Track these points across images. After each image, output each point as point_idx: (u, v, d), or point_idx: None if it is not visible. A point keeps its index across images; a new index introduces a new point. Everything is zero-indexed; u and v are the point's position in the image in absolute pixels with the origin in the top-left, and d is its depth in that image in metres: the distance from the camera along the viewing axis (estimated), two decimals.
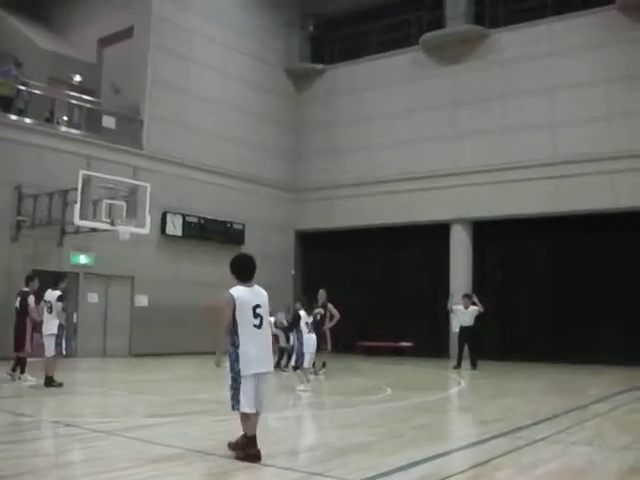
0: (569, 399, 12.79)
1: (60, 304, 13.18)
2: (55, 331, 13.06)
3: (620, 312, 21.56)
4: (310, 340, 14.01)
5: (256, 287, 7.21)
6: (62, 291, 13.47)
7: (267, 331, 7.10)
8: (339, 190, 27.30)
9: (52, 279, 13.89)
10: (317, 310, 17.14)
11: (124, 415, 10.00)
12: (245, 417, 6.85)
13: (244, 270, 7.22)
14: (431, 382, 16.94)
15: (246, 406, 6.79)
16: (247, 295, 7.03)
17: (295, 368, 14.00)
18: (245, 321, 6.91)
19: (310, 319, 14.22)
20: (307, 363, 13.94)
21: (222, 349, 7.06)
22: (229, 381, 6.89)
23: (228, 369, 6.91)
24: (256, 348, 6.88)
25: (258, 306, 7.03)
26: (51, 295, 13.28)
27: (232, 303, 6.93)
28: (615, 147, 21.72)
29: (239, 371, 6.81)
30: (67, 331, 14.10)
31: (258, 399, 6.89)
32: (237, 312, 6.92)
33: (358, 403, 11.86)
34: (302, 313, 14.06)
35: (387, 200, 25.93)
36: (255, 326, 6.94)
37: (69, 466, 6.63)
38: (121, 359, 20.92)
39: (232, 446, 6.98)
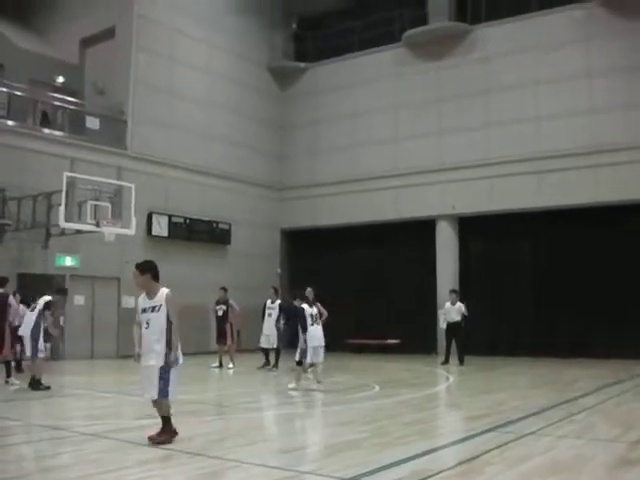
0: (557, 393, 12.84)
1: (49, 312, 13.12)
2: (28, 333, 12.90)
3: (606, 305, 21.68)
4: (312, 333, 13.28)
5: None
6: (51, 300, 13.34)
7: None
8: (324, 188, 27.29)
9: (55, 288, 13.97)
10: None
11: (113, 417, 9.96)
12: (168, 402, 7.69)
13: (158, 273, 7.96)
14: (419, 378, 16.96)
15: (174, 393, 7.69)
16: None
17: (298, 363, 13.60)
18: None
19: (314, 310, 13.57)
20: (311, 358, 13.31)
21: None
22: (158, 372, 7.57)
23: (162, 361, 7.58)
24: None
25: None
26: (42, 299, 13.21)
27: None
28: (598, 141, 21.80)
29: (176, 361, 7.67)
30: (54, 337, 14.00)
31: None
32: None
33: (347, 401, 11.87)
34: (305, 306, 13.50)
35: (373, 197, 25.94)
36: None
37: (58, 470, 6.59)
38: (109, 361, 20.84)
39: (157, 440, 7.55)
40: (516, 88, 23.51)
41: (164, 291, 7.79)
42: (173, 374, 7.64)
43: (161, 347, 7.59)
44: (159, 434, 7.61)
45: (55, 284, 14.25)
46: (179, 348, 7.73)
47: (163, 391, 7.57)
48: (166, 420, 7.68)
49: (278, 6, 29.22)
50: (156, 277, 7.92)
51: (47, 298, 13.24)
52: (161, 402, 7.67)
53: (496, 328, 23.58)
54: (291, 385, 13.11)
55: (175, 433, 7.74)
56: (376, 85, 26.72)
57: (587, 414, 10.05)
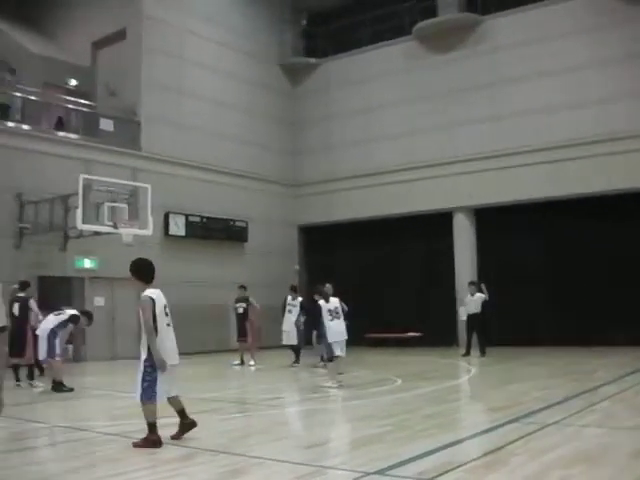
0: (579, 382, 12.80)
1: (72, 325, 13.20)
2: (45, 335, 12.96)
3: (625, 293, 21.54)
4: (333, 328, 13.05)
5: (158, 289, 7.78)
6: (78, 316, 13.44)
7: (172, 328, 7.81)
8: (339, 183, 27.27)
9: (82, 310, 14.46)
10: None
11: (135, 417, 9.99)
12: (154, 407, 7.46)
13: (150, 273, 7.78)
14: (441, 371, 16.94)
15: (160, 397, 7.48)
16: (159, 296, 7.69)
17: (329, 360, 13.46)
18: (161, 320, 7.62)
19: (332, 305, 13.25)
20: (339, 351, 13.08)
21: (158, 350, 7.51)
22: (141, 375, 7.45)
23: (142, 365, 7.47)
24: (170, 343, 7.70)
25: (166, 306, 7.76)
26: (70, 310, 13.33)
27: (152, 305, 7.54)
28: (610, 129, 21.68)
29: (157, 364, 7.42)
30: (76, 336, 14.11)
31: (171, 387, 7.61)
32: (156, 312, 7.58)
33: (369, 395, 11.87)
34: (322, 302, 13.25)
35: (387, 191, 25.91)
36: (167, 324, 7.72)
37: (83, 470, 6.63)
38: (130, 361, 20.89)
39: (138, 444, 7.35)
40: (527, 78, 23.42)
41: (142, 295, 7.60)
42: (160, 377, 7.42)
43: (144, 351, 7.48)
44: (142, 440, 7.38)
45: (83, 306, 14.42)
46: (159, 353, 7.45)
47: (147, 393, 7.41)
48: (150, 426, 7.42)
49: (287, 2, 29.24)
50: (142, 278, 7.73)
51: (75, 312, 13.36)
52: (145, 405, 7.46)
53: (516, 318, 23.45)
54: (327, 384, 12.97)
55: (193, 424, 7.74)
56: (387, 79, 26.67)
57: (608, 403, 10.02)
